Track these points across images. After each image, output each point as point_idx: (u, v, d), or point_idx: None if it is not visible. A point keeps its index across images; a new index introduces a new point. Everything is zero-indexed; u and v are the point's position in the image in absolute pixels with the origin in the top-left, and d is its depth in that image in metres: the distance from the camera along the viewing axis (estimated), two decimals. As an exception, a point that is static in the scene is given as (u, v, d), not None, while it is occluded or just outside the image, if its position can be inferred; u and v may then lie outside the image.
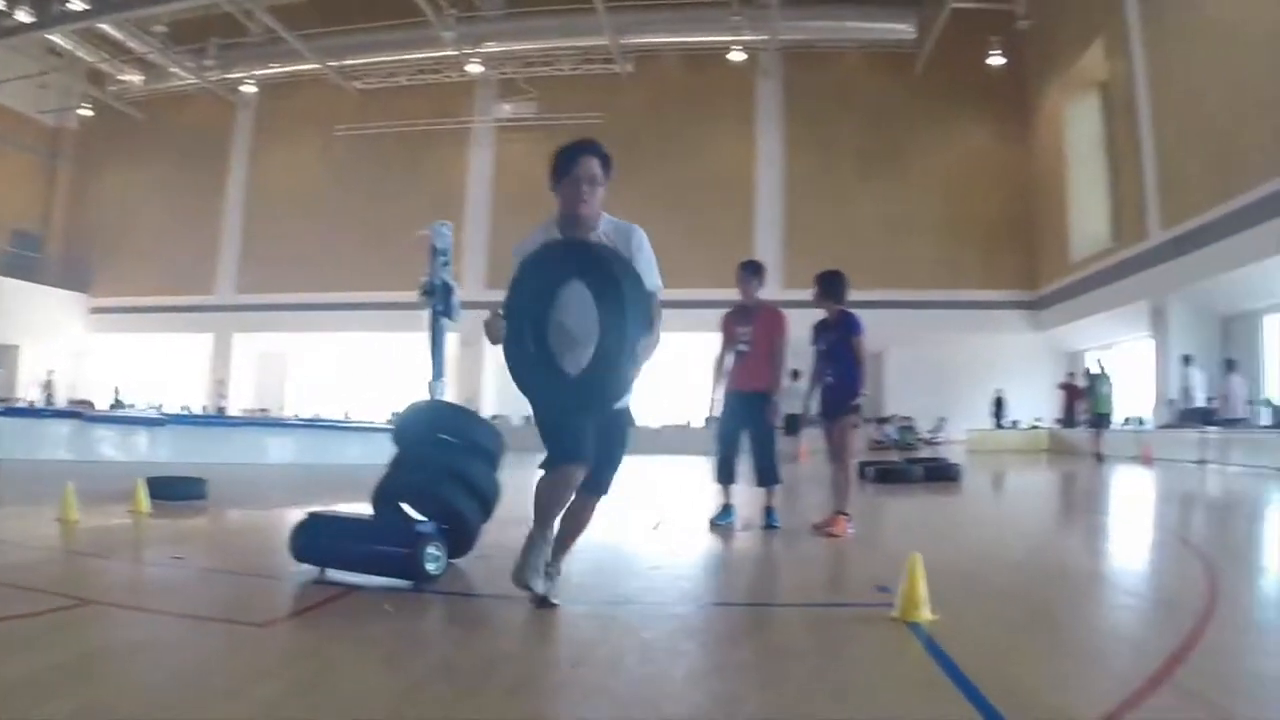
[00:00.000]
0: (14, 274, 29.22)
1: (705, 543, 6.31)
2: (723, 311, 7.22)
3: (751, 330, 6.93)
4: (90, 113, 31.15)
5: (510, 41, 28.18)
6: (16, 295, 28.98)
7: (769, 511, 6.92)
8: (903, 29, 26.68)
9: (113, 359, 31.37)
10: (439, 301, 5.12)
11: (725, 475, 7.14)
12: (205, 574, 4.77)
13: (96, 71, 30.16)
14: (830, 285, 6.78)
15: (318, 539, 4.45)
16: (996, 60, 26.20)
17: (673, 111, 28.34)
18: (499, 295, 3.76)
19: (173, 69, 29.30)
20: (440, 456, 4.68)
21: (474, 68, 28.52)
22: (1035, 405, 25.60)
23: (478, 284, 24.96)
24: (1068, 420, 23.09)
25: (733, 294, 7.19)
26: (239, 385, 30.32)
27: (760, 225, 28.02)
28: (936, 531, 7.44)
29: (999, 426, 25.48)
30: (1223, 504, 9.83)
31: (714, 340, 7.14)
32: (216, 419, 19.83)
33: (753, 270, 7.12)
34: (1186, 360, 18.01)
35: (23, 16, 25.25)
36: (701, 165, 27.86)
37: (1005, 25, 25.26)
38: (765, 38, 27.19)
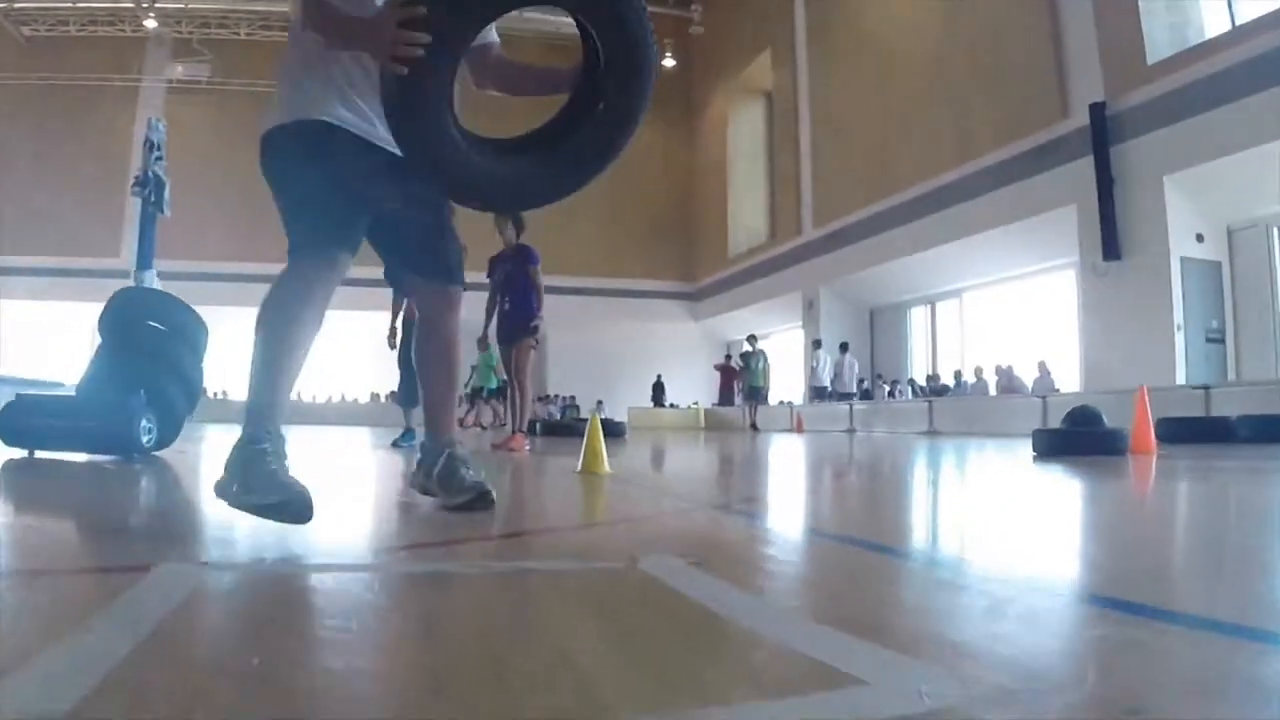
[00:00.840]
0: None
1: (388, 456, 6.34)
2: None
3: None
4: None
5: (190, -1, 26.13)
6: None
7: (450, 433, 7.09)
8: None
9: None
10: (152, 192, 5.46)
11: (407, 399, 7.49)
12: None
13: None
14: (513, 221, 7.47)
15: (26, 419, 4.30)
16: (668, 62, 27.86)
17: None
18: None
19: None
20: (148, 343, 4.60)
21: (150, 23, 26.29)
22: (695, 390, 27.49)
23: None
24: (725, 399, 24.79)
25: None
26: None
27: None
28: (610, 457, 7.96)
29: (659, 407, 27.01)
30: (858, 449, 11.24)
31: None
32: None
33: None
34: (816, 344, 20.12)
35: None
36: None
37: (680, 29, 27.18)
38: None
